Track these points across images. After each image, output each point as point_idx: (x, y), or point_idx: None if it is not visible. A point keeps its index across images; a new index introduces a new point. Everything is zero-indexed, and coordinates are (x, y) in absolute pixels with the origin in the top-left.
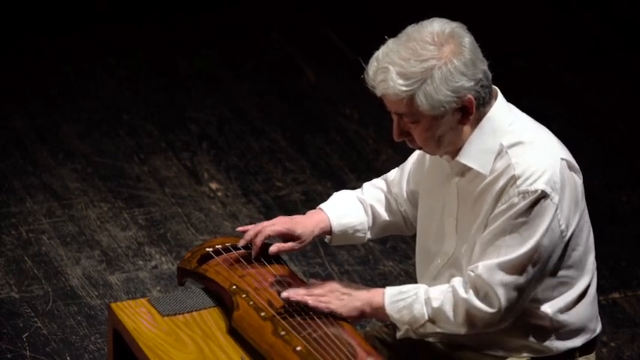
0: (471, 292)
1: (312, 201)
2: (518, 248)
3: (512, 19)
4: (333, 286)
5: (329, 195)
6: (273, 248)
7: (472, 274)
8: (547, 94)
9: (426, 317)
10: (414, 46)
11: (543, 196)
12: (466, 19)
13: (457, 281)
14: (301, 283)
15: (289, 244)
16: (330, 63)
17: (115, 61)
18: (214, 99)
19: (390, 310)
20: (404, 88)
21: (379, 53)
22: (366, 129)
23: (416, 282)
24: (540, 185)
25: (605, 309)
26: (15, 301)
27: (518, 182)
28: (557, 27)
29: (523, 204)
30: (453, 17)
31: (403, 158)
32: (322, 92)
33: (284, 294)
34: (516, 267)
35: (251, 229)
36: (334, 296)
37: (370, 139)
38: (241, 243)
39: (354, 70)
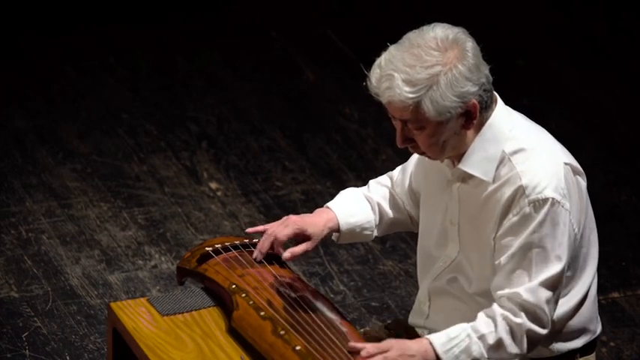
0: (522, 314)
1: (311, 201)
2: (550, 264)
3: (512, 19)
4: (397, 352)
5: (328, 194)
6: (286, 255)
7: (517, 299)
8: (547, 94)
9: (486, 356)
10: (418, 53)
11: (554, 203)
12: (466, 19)
13: (500, 308)
14: (302, 283)
15: (302, 247)
16: (329, 62)
17: (115, 60)
18: (214, 99)
19: (447, 359)
20: (410, 95)
21: (381, 60)
22: (365, 128)
23: (415, 281)
24: (550, 193)
25: (605, 308)
26: (14, 301)
27: (527, 191)
28: (557, 27)
29: (537, 215)
30: (452, 17)
31: (403, 158)
32: (322, 92)
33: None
34: (555, 282)
35: (264, 239)
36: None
37: (370, 138)
38: (257, 256)
39: (353, 69)
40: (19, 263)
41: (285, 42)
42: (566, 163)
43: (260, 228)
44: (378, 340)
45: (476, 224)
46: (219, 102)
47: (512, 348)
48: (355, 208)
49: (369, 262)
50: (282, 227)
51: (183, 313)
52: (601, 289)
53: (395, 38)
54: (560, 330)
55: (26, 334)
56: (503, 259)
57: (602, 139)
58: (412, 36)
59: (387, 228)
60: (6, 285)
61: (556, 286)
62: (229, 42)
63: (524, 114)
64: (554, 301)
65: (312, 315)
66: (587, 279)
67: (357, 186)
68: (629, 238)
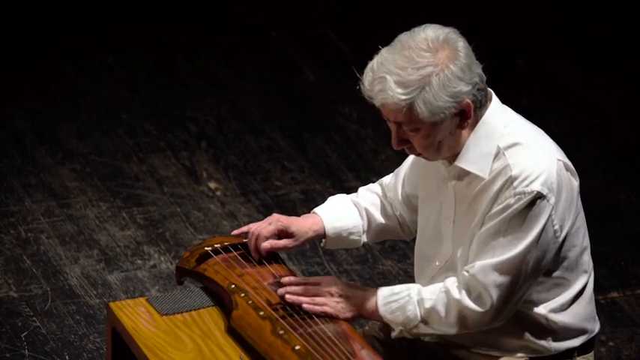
0: (463, 292)
1: (310, 200)
2: (512, 248)
3: (512, 19)
4: (330, 286)
5: (328, 194)
6: (265, 244)
7: (466, 273)
8: (547, 94)
9: (419, 318)
10: (409, 54)
11: (539, 197)
12: (466, 19)
13: (450, 282)
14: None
15: (282, 242)
16: (329, 62)
17: (115, 60)
18: (213, 98)
19: (383, 311)
20: (403, 97)
21: (374, 63)
22: (365, 129)
23: (414, 282)
24: (537, 186)
25: (604, 308)
26: (14, 301)
27: (515, 183)
28: (557, 27)
29: (518, 205)
30: (452, 17)
31: (402, 158)
32: (321, 92)
33: (280, 290)
34: (510, 267)
35: (250, 238)
36: (331, 299)
37: (369, 138)
38: (254, 256)
39: (353, 69)
40: (18, 263)
41: (285, 42)
42: (559, 160)
43: (244, 228)
44: (378, 340)
45: (468, 219)
46: (219, 102)
47: (443, 320)
48: (342, 212)
49: (368, 261)
50: (266, 225)
51: (182, 312)
52: (600, 289)
53: (395, 38)
54: (554, 329)
55: (25, 333)
56: (478, 234)
57: (602, 139)
58: (403, 38)
59: (376, 235)
60: (5, 285)
61: (511, 272)
62: (229, 42)
63: (524, 114)
64: (505, 288)
65: (312, 315)
66: (582, 278)
67: (357, 186)
68: (628, 238)
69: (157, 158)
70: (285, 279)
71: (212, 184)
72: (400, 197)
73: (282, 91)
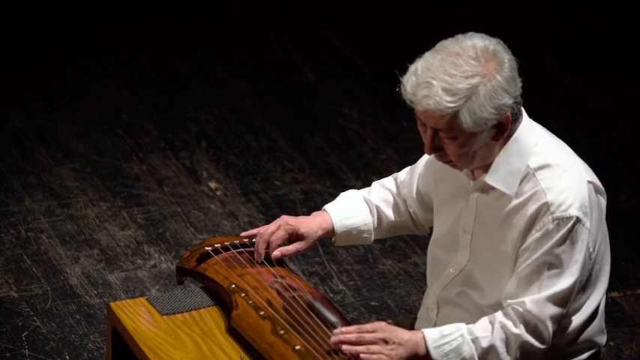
0: (521, 326)
1: (310, 200)
2: (562, 280)
3: (512, 19)
4: (384, 333)
5: (328, 194)
6: (276, 253)
7: (520, 309)
8: (547, 94)
9: (476, 358)
10: (457, 61)
11: (577, 222)
12: (466, 19)
13: (501, 316)
14: (301, 282)
15: (293, 247)
16: (329, 62)
17: (114, 60)
18: (213, 98)
19: (435, 354)
20: (450, 105)
21: (417, 67)
22: (365, 128)
23: (415, 280)
24: (574, 211)
25: (605, 308)
26: (14, 300)
27: (552, 208)
28: (557, 27)
29: (559, 232)
30: (452, 17)
31: (402, 158)
32: (321, 92)
33: (334, 339)
34: (563, 299)
35: (258, 242)
36: (385, 347)
37: (369, 138)
38: (257, 259)
39: (353, 69)
40: (19, 263)
41: (284, 42)
42: (589, 182)
43: (254, 231)
44: None
45: (494, 237)
46: (219, 102)
47: (504, 356)
48: (352, 210)
49: (369, 261)
50: (275, 229)
51: (182, 312)
52: None
53: (394, 38)
54: (568, 343)
55: (26, 333)
56: (518, 269)
57: (601, 139)
58: (449, 44)
59: (386, 231)
60: (5, 284)
61: (564, 303)
62: (229, 42)
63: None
64: (559, 319)
65: (312, 315)
66: (598, 295)
67: (356, 186)
68: (628, 239)
69: (157, 158)
70: (337, 329)
71: (212, 184)
72: (414, 195)
73: (282, 91)
